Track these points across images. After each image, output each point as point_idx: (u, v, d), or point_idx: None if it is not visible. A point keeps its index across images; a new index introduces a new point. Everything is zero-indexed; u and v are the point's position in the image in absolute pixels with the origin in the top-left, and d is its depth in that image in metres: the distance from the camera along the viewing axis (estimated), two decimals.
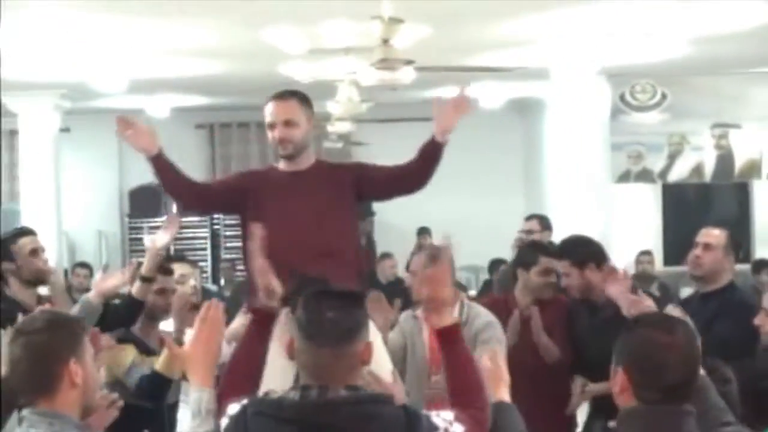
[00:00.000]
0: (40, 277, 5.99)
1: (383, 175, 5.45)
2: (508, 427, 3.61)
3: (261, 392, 4.23)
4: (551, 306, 6.72)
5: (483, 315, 6.16)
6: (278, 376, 4.42)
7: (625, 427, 3.24)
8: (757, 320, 4.87)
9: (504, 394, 3.75)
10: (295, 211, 5.16)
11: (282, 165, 5.37)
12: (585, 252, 6.33)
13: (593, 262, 6.19)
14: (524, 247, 7.26)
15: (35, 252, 5.95)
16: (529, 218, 9.96)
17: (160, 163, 5.31)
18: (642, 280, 11.45)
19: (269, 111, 5.28)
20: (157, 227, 14.90)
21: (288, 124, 5.22)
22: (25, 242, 5.98)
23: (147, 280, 5.80)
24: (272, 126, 5.24)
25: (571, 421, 6.66)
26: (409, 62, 8.87)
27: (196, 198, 5.46)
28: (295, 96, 5.35)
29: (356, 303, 3.46)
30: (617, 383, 3.27)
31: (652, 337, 3.25)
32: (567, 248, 6.50)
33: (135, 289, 5.81)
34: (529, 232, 9.72)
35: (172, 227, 6.15)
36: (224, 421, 3.29)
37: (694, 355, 3.27)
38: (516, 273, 6.88)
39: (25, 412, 3.43)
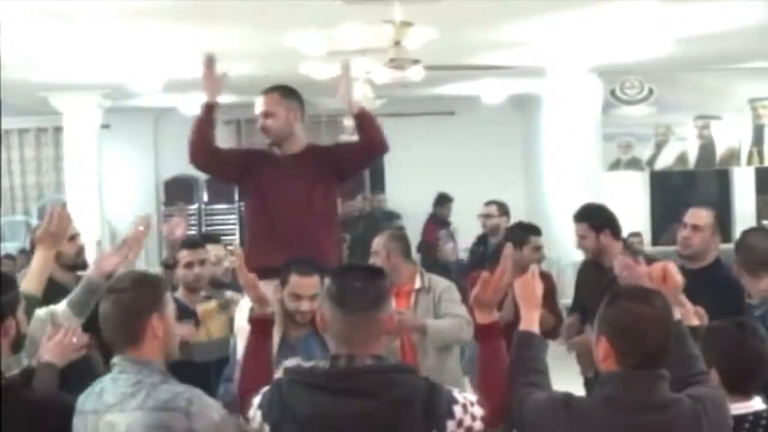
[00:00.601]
0: (77, 262, 5.90)
1: (349, 153, 5.54)
2: (524, 358, 3.56)
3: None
4: (541, 280, 6.74)
5: (441, 281, 6.38)
6: None
7: (606, 388, 3.26)
8: None
9: (533, 322, 3.64)
10: (285, 188, 5.25)
11: (277, 149, 5.44)
12: (602, 218, 6.39)
13: (608, 228, 6.26)
14: (516, 227, 7.27)
15: (72, 238, 5.81)
16: (488, 204, 9.93)
17: (208, 111, 5.38)
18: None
19: (256, 104, 5.41)
20: (187, 215, 14.96)
21: (267, 115, 5.33)
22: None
23: (168, 266, 5.75)
24: (267, 115, 5.35)
25: None
26: (418, 62, 8.90)
27: (208, 153, 5.44)
28: (278, 90, 5.43)
29: (380, 276, 3.52)
30: (601, 351, 3.29)
31: (633, 309, 3.27)
32: (587, 213, 6.52)
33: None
34: (487, 216, 9.75)
35: (182, 220, 6.14)
36: (252, 410, 3.37)
37: (670, 324, 3.30)
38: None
39: (116, 359, 3.50)
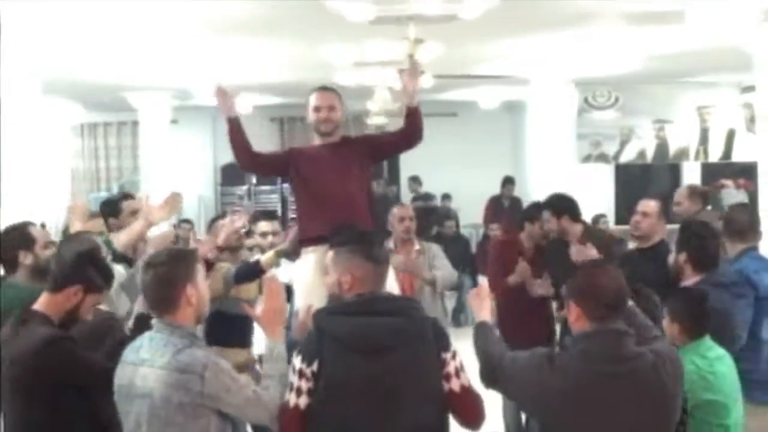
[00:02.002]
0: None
1: (387, 139, 5.52)
2: (487, 337, 3.65)
3: (300, 304, 4.58)
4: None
5: (432, 245, 6.69)
6: (314, 294, 4.67)
7: (580, 344, 3.27)
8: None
9: (485, 316, 3.77)
10: (327, 170, 5.20)
11: (317, 140, 5.37)
12: (562, 206, 6.39)
13: (567, 214, 6.26)
14: (531, 205, 7.25)
15: (134, 213, 5.65)
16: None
17: (231, 123, 5.29)
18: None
19: (316, 98, 5.27)
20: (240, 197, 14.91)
21: (331, 108, 5.24)
22: (127, 204, 5.84)
23: (221, 249, 5.69)
24: (318, 109, 5.23)
25: (551, 334, 6.72)
26: (427, 72, 8.88)
27: (250, 157, 5.37)
28: (334, 90, 5.36)
29: (388, 237, 3.69)
30: (572, 314, 3.33)
31: (588, 272, 3.38)
32: (550, 202, 6.57)
33: (211, 254, 5.63)
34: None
35: (244, 215, 6.06)
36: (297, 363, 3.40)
37: (621, 284, 3.31)
38: (523, 224, 6.91)
39: (154, 321, 3.45)
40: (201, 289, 3.47)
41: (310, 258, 5.09)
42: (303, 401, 3.30)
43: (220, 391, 3.27)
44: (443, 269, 6.49)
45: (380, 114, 13.78)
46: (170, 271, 3.41)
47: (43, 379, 3.57)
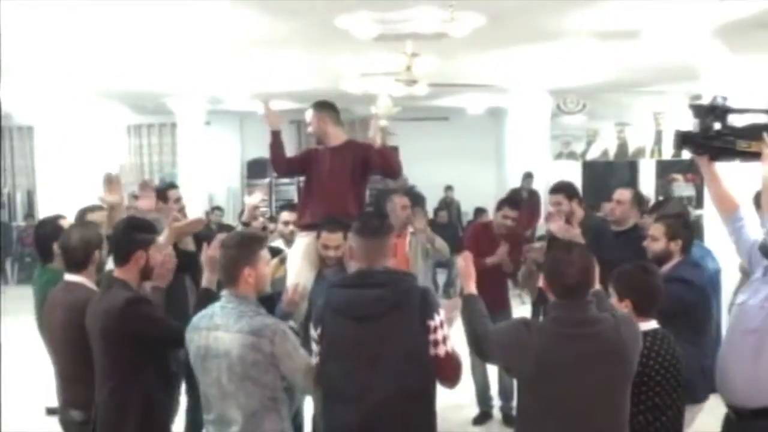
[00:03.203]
0: (178, 218, 5.83)
1: (374, 162, 5.36)
2: (474, 311, 3.62)
3: (291, 282, 4.60)
4: (514, 233, 6.78)
5: (428, 229, 6.72)
6: (301, 273, 4.85)
7: (552, 312, 3.29)
8: None
9: (471, 288, 3.73)
10: (323, 169, 5.30)
11: (321, 145, 5.45)
12: (573, 191, 6.24)
13: (576, 198, 6.15)
14: (501, 199, 7.18)
15: (178, 200, 5.91)
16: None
17: (275, 137, 5.37)
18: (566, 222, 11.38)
19: (311, 116, 5.41)
20: (255, 186, 14.90)
21: (308, 125, 5.42)
22: (173, 192, 5.95)
23: (245, 224, 5.77)
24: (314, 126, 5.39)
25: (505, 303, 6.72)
26: (422, 81, 8.87)
27: (285, 164, 5.47)
28: (313, 107, 5.41)
29: (386, 217, 3.85)
30: (543, 284, 3.35)
31: (555, 255, 3.35)
32: (563, 187, 6.30)
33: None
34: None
35: (261, 192, 6.13)
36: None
37: (585, 267, 3.28)
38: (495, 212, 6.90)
39: (224, 292, 3.54)
40: (260, 271, 3.53)
41: (303, 242, 5.18)
42: (317, 359, 3.44)
43: (284, 355, 3.35)
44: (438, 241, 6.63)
45: (382, 117, 13.75)
46: (235, 253, 3.50)
47: (125, 332, 3.64)
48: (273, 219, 12.52)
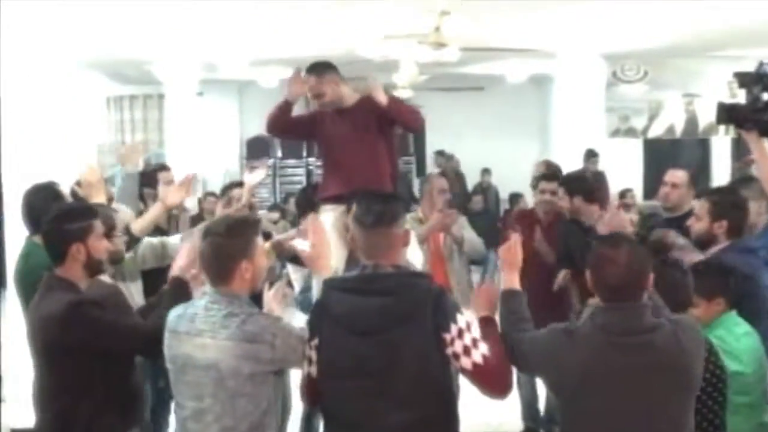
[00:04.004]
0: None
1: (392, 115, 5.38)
2: (510, 311, 3.59)
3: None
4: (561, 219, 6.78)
5: (461, 218, 6.68)
6: (335, 255, 4.68)
7: (598, 318, 3.28)
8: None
9: (513, 281, 3.67)
10: (343, 133, 5.31)
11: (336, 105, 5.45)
12: (576, 186, 6.32)
13: (581, 194, 6.19)
14: (540, 176, 7.24)
15: (169, 184, 5.89)
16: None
17: (287, 107, 5.35)
18: (624, 208, 11.38)
19: (311, 82, 5.34)
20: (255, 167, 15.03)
21: (317, 96, 5.34)
22: (163, 175, 6.01)
23: (249, 207, 5.83)
24: (320, 96, 5.34)
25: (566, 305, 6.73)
26: (453, 45, 8.87)
27: (284, 123, 5.43)
28: (313, 73, 5.37)
29: (394, 199, 3.61)
30: (589, 282, 3.34)
31: (600, 252, 3.31)
32: (565, 180, 6.50)
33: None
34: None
35: (263, 169, 6.16)
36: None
37: (635, 264, 3.26)
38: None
39: (207, 289, 3.47)
40: (257, 263, 3.46)
41: (329, 216, 5.19)
42: (313, 370, 3.41)
43: (289, 353, 3.34)
44: (470, 236, 6.59)
45: (406, 87, 13.79)
46: (227, 244, 3.40)
47: (69, 342, 3.59)
48: (277, 208, 12.61)
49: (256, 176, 6.01)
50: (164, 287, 3.97)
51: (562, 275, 6.26)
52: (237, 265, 3.39)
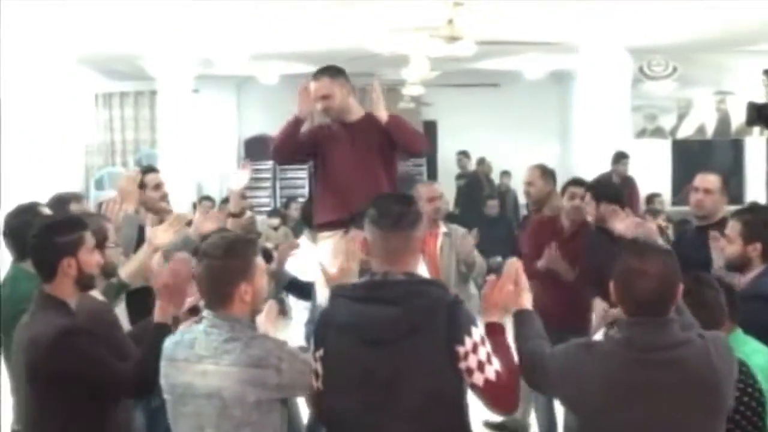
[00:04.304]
0: (159, 209, 5.84)
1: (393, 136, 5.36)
2: (524, 331, 3.57)
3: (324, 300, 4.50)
4: (586, 230, 6.69)
5: (458, 228, 6.75)
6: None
7: (622, 332, 3.25)
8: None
9: (526, 303, 3.66)
10: (344, 153, 5.26)
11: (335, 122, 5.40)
12: (604, 190, 6.24)
13: (609, 200, 6.04)
14: (569, 181, 7.17)
15: (158, 187, 5.86)
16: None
17: (298, 124, 5.29)
18: (651, 214, 11.33)
19: (313, 87, 5.28)
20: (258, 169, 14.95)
21: (325, 98, 5.24)
22: (151, 177, 5.95)
23: (235, 215, 5.75)
24: (326, 97, 5.25)
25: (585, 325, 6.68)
26: (467, 38, 8.83)
27: (292, 149, 5.39)
28: (327, 73, 5.31)
29: (413, 201, 3.59)
30: (613, 294, 3.31)
31: (628, 262, 3.25)
32: (592, 184, 6.43)
33: (229, 224, 5.63)
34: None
35: (247, 170, 6.08)
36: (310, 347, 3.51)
37: (665, 277, 3.22)
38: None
39: (206, 313, 3.46)
40: (258, 285, 3.47)
41: (328, 245, 5.20)
42: (320, 384, 3.43)
43: (296, 378, 3.36)
44: (475, 257, 6.63)
45: (417, 83, 13.76)
46: (224, 266, 3.41)
47: (55, 371, 3.59)
48: (278, 213, 12.57)
49: (239, 180, 5.92)
50: (150, 322, 3.90)
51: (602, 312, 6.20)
52: (236, 288, 3.40)
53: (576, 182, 6.89)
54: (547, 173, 7.38)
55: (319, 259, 5.08)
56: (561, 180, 7.35)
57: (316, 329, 3.47)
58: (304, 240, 6.46)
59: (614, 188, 6.42)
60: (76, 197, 5.44)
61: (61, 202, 5.27)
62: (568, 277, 6.42)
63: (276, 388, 3.31)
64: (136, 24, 10.60)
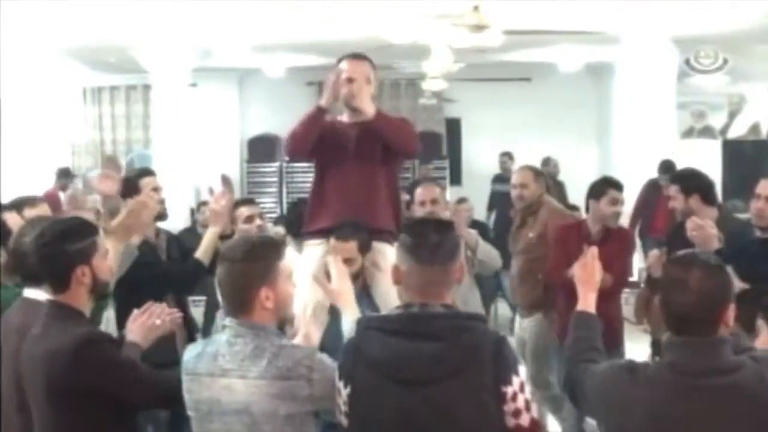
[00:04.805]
0: (159, 212, 5.76)
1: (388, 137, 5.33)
2: (580, 338, 3.64)
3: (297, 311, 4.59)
4: (616, 234, 6.81)
5: (473, 232, 6.97)
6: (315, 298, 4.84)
7: (669, 354, 3.27)
8: None
9: (589, 301, 3.76)
10: (351, 157, 5.26)
11: (346, 116, 5.39)
12: (694, 183, 6.28)
13: (698, 193, 6.16)
14: (596, 181, 7.22)
15: (155, 190, 5.90)
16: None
17: (322, 114, 5.26)
18: None
19: (349, 67, 5.23)
20: (272, 171, 15.07)
21: (368, 81, 5.24)
22: (147, 181, 5.98)
23: (225, 237, 5.74)
24: (351, 81, 5.19)
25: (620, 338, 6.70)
26: (495, 27, 8.85)
27: (308, 150, 5.33)
28: (368, 58, 5.34)
29: (452, 228, 3.59)
30: (659, 307, 3.34)
31: (670, 272, 3.31)
32: (679, 177, 6.49)
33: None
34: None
35: (226, 185, 6.05)
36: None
37: (709, 291, 3.22)
38: (587, 203, 6.91)
39: (228, 321, 3.53)
40: (281, 290, 3.53)
41: (315, 254, 5.21)
42: (344, 420, 3.42)
43: (329, 389, 3.39)
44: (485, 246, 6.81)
45: (438, 77, 13.77)
46: (243, 270, 3.49)
47: (79, 385, 3.66)
48: (284, 220, 12.61)
49: (218, 198, 5.84)
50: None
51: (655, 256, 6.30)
52: (256, 294, 3.47)
53: (615, 185, 6.93)
54: (539, 175, 7.53)
55: (306, 269, 5.12)
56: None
57: (343, 363, 3.43)
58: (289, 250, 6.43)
59: (704, 181, 6.42)
60: (32, 201, 5.39)
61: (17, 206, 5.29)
62: (605, 284, 6.44)
63: (308, 400, 3.37)
64: (127, 11, 10.64)
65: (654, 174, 13.21)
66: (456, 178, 17.16)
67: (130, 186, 5.88)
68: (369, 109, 5.15)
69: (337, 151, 5.29)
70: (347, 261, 4.86)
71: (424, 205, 6.60)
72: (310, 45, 13.24)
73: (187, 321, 5.81)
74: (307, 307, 4.86)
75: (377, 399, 3.32)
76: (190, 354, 3.56)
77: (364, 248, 5.10)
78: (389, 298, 4.63)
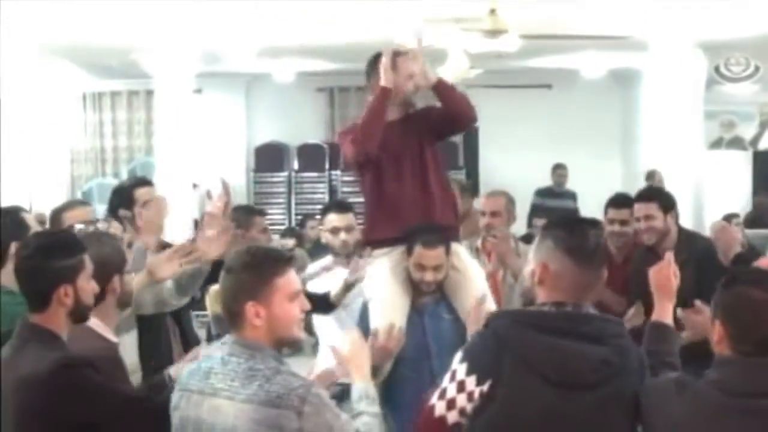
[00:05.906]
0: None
1: (441, 114, 5.38)
2: (659, 351, 3.65)
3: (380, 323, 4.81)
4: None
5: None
6: (396, 307, 4.98)
7: (719, 373, 3.24)
8: None
9: (665, 312, 3.76)
10: (403, 157, 5.26)
11: (392, 113, 5.32)
12: (671, 200, 6.23)
13: (673, 210, 6.13)
14: (612, 199, 7.17)
15: (147, 203, 5.72)
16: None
17: (386, 95, 5.20)
18: None
19: (411, 62, 5.26)
20: (281, 181, 15.06)
21: (412, 77, 5.25)
22: (143, 192, 5.82)
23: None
24: (413, 76, 5.23)
25: None
26: (513, 32, 8.85)
27: (382, 127, 5.22)
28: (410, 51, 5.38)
29: (602, 228, 3.75)
30: (716, 334, 3.29)
31: (747, 294, 3.25)
32: (652, 194, 6.39)
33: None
34: None
35: (224, 189, 5.93)
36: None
37: None
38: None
39: (226, 338, 3.50)
40: (276, 309, 3.44)
41: (385, 265, 5.20)
42: (453, 417, 3.40)
43: (321, 429, 3.31)
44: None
45: (454, 83, 13.80)
46: (234, 281, 3.46)
47: (55, 413, 3.58)
48: (292, 233, 12.64)
49: (216, 200, 5.72)
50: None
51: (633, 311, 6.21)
52: (242, 308, 3.40)
53: (616, 203, 6.82)
54: (511, 201, 7.28)
55: (376, 282, 5.20)
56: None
57: (482, 357, 3.39)
58: (328, 260, 6.38)
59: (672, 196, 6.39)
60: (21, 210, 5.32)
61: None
62: (619, 309, 6.42)
63: None
64: (129, 11, 10.67)
65: (680, 184, 13.20)
66: (473, 189, 17.13)
67: (123, 197, 5.77)
68: (432, 76, 5.25)
69: (393, 153, 5.26)
70: (437, 268, 4.99)
71: (484, 215, 6.58)
72: (320, 49, 13.26)
73: (185, 336, 5.77)
74: (388, 314, 4.94)
75: (525, 397, 3.32)
76: (188, 368, 3.55)
77: (449, 252, 5.10)
78: (468, 300, 4.94)
